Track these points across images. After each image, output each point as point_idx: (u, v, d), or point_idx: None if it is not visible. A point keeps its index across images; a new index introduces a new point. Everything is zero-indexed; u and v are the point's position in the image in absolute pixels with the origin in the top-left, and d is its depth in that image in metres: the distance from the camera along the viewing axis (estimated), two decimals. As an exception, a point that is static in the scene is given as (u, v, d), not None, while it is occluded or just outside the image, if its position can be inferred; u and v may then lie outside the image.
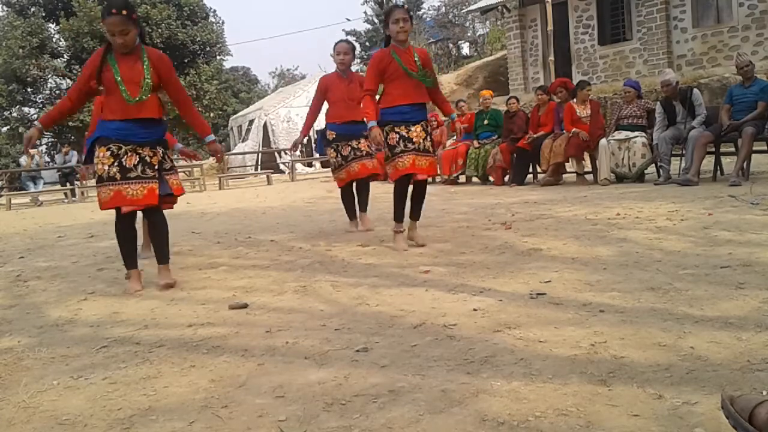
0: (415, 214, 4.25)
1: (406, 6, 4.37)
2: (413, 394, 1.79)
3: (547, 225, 4.62)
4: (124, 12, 3.22)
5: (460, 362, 2.01)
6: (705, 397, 1.62)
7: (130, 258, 3.55)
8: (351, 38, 31.13)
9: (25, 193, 14.09)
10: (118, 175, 3.33)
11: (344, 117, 4.94)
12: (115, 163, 3.33)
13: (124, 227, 3.50)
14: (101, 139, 3.39)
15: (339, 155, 5.04)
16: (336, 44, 5.10)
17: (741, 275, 2.77)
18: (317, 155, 18.69)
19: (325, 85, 5.07)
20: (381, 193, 6.89)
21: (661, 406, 1.60)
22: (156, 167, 3.44)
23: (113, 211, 3.42)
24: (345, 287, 3.20)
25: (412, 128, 4.03)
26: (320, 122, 5.45)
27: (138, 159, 3.37)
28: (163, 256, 3.59)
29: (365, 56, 30.06)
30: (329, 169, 5.82)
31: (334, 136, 5.03)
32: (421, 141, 4.05)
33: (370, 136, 4.02)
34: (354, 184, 5.19)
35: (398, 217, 4.18)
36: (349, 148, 4.98)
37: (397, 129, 4.01)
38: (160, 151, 3.48)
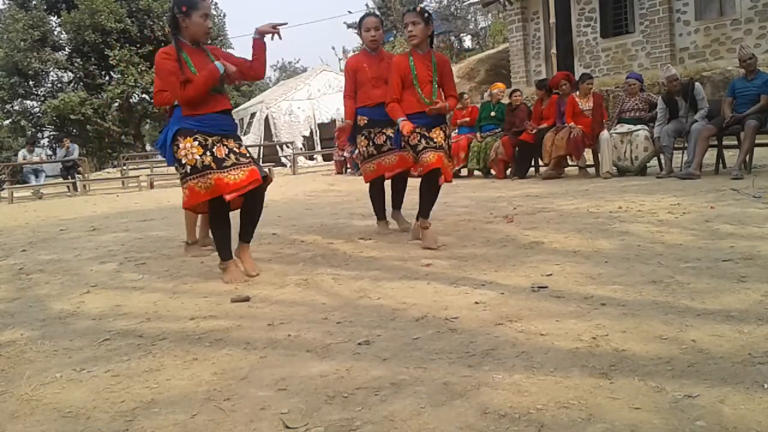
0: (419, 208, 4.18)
1: (418, 9, 4.04)
2: (415, 386, 1.80)
3: (548, 218, 4.62)
4: None
5: (461, 355, 2.02)
6: (706, 390, 1.63)
7: (225, 249, 3.48)
8: (353, 33, 30.89)
9: (27, 187, 14.10)
10: (213, 164, 3.25)
11: (377, 98, 4.33)
12: (207, 153, 3.26)
13: (220, 218, 3.43)
14: (182, 131, 3.29)
15: (371, 143, 4.44)
16: (363, 19, 4.49)
17: (743, 268, 2.77)
18: (319, 148, 18.73)
19: (353, 66, 4.48)
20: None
21: (663, 398, 1.60)
22: (247, 156, 3.39)
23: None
24: (347, 280, 3.21)
25: (432, 130, 3.99)
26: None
27: (227, 150, 3.32)
28: (248, 235, 3.56)
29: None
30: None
31: (366, 121, 4.44)
32: (442, 142, 4.02)
33: (401, 128, 3.93)
34: (390, 180, 4.61)
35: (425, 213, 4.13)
36: (384, 136, 4.41)
37: (417, 130, 3.96)
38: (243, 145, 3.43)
